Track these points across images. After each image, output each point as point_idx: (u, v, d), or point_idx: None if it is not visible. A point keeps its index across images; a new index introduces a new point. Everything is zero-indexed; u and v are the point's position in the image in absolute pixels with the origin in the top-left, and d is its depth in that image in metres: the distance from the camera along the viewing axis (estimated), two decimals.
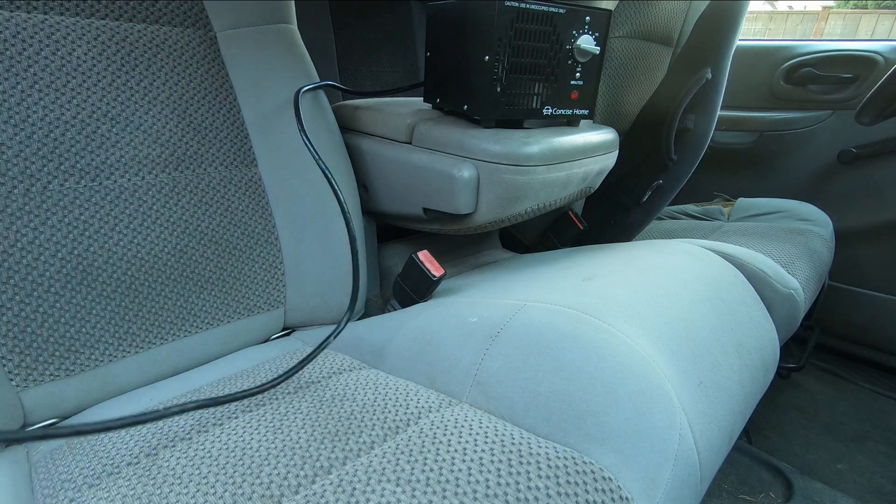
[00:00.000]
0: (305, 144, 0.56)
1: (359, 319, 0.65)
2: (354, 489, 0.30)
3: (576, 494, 0.30)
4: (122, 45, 0.48)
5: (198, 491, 0.31)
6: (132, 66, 0.49)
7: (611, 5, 0.87)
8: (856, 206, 1.17)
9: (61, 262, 0.44)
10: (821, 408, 1.08)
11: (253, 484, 0.31)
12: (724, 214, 1.16)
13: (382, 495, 0.30)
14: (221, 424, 0.38)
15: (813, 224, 1.02)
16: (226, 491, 0.31)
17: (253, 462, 0.33)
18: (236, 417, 0.39)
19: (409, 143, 0.60)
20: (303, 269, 0.59)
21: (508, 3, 0.48)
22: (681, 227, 1.10)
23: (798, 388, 1.14)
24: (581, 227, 0.88)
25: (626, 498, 0.31)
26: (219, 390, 0.45)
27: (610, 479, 0.31)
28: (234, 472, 0.32)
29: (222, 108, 0.55)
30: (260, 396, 0.42)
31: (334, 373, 0.47)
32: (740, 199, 1.18)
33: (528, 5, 0.50)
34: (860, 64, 1.15)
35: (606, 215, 0.96)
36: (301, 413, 0.39)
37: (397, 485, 0.30)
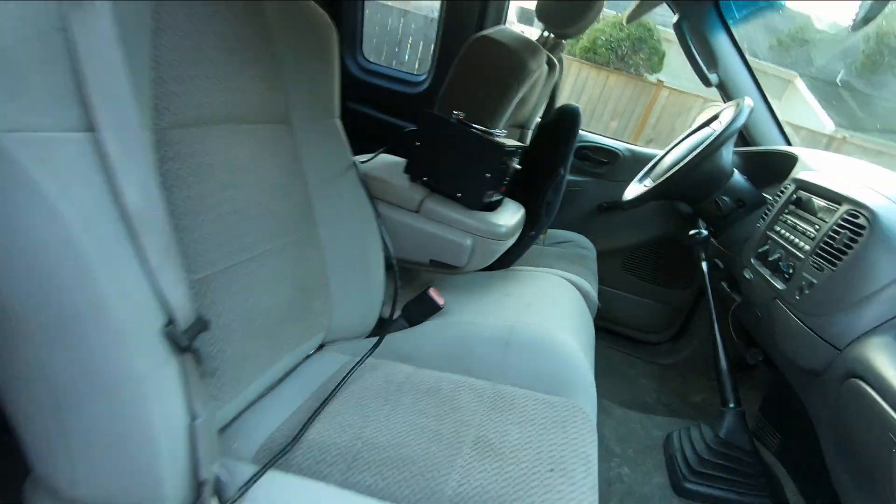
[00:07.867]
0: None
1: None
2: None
3: (561, 409, 0.69)
4: (258, 140, 0.64)
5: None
6: (259, 153, 0.65)
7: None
8: (608, 237, 1.92)
9: None
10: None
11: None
12: (542, 240, 1.75)
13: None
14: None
15: (588, 250, 1.68)
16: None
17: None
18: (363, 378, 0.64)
19: (418, 212, 0.88)
20: (344, 304, 0.81)
21: (507, 149, 0.83)
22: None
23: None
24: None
25: (583, 411, 0.72)
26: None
27: (579, 407, 0.72)
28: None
29: (298, 176, 0.73)
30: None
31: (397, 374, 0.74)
32: (549, 230, 1.79)
33: (508, 148, 0.85)
34: (610, 153, 1.89)
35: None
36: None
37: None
